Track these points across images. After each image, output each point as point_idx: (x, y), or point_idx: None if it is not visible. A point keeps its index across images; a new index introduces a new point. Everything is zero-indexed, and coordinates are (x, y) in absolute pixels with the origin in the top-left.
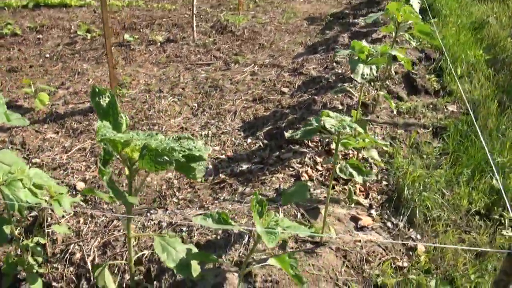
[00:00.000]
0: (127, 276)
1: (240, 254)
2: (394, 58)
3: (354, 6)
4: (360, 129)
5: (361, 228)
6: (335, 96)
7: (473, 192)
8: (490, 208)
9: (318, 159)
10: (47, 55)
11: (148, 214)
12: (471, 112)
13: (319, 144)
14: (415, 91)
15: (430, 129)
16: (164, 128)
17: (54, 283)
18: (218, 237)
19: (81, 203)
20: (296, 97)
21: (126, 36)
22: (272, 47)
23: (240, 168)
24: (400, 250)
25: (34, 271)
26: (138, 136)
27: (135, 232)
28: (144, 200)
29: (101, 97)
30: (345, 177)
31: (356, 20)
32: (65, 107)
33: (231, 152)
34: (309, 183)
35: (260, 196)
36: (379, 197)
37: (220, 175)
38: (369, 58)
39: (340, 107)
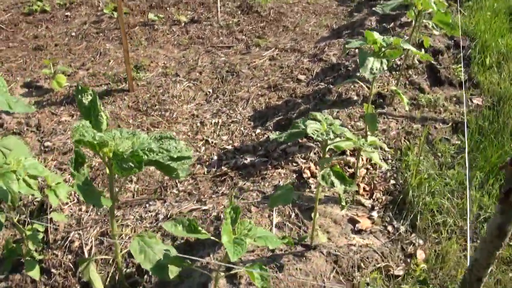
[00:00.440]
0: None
1: None
2: (420, 45)
3: None
4: (349, 135)
5: (359, 231)
6: (352, 86)
7: (485, 197)
8: None
9: None
10: (73, 34)
11: (147, 205)
12: (494, 107)
13: None
14: (438, 82)
15: (450, 124)
16: (175, 114)
17: (53, 270)
18: (212, 233)
19: None
20: (312, 85)
21: (151, 15)
22: (296, 30)
23: (244, 161)
24: (398, 256)
25: (32, 257)
26: (121, 135)
27: (119, 227)
28: (145, 190)
29: (83, 95)
30: (326, 186)
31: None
32: None
33: (238, 142)
34: (310, 180)
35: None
36: (384, 197)
37: (223, 167)
38: (382, 51)
39: (355, 98)
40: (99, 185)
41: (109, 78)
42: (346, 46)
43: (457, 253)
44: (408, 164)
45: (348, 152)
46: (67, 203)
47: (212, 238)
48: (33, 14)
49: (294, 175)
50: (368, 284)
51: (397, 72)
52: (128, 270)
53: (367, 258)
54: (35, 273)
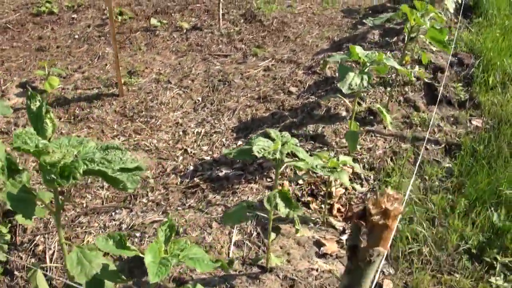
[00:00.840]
0: None
1: (180, 270)
2: (420, 61)
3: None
4: (302, 155)
5: (323, 255)
6: (342, 101)
7: (468, 227)
8: (483, 248)
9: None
10: (76, 36)
11: (113, 213)
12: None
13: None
14: (435, 101)
15: (443, 145)
16: (160, 122)
17: (16, 272)
18: None
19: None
20: (303, 98)
21: (154, 21)
22: (296, 40)
23: (219, 173)
24: None
25: None
26: (69, 143)
27: (65, 236)
28: (116, 197)
29: (32, 101)
30: (269, 208)
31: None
32: (74, 92)
33: (218, 154)
34: None
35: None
36: None
37: (196, 178)
38: (366, 66)
39: (344, 113)
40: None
41: (101, 82)
42: (327, 59)
43: (430, 286)
44: (390, 186)
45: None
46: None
47: (141, 255)
48: (41, 15)
49: (266, 191)
50: None
51: (392, 88)
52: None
53: (328, 285)
54: None
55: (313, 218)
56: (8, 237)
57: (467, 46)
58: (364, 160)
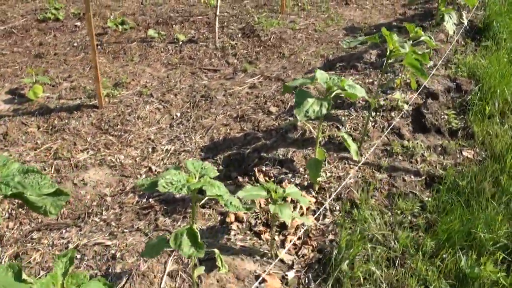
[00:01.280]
0: None
1: None
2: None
3: (406, 18)
4: (216, 190)
5: None
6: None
7: (431, 270)
8: None
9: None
10: (75, 44)
11: (64, 231)
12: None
13: (271, 180)
14: (423, 129)
15: (424, 177)
16: (132, 137)
17: None
18: (103, 273)
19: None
20: (281, 119)
21: (151, 32)
22: (290, 57)
23: (176, 195)
24: None
25: None
26: None
27: (16, 252)
28: (71, 214)
29: None
30: (174, 247)
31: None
32: (57, 102)
33: None
34: (233, 225)
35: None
36: (312, 254)
37: (151, 199)
38: (330, 92)
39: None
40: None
41: (86, 93)
42: (286, 84)
43: None
44: (354, 219)
45: (288, 198)
46: None
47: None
48: (47, 21)
49: (219, 217)
50: None
51: (377, 113)
52: None
53: None
54: None
55: (261, 250)
56: None
57: (469, 70)
58: (332, 190)
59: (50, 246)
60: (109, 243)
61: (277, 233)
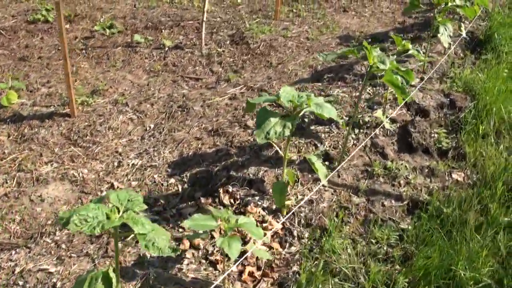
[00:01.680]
0: None
1: None
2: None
3: (405, 27)
4: (145, 229)
5: None
6: (296, 142)
7: None
8: None
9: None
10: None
11: (13, 252)
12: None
13: (236, 202)
14: (409, 149)
15: (406, 202)
16: (99, 149)
17: None
18: None
19: None
20: None
21: (137, 37)
22: (278, 67)
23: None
24: None
25: None
26: None
27: None
28: (24, 233)
29: None
30: None
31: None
32: (31, 109)
33: (146, 191)
34: (187, 254)
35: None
36: None
37: None
38: (297, 110)
39: (295, 156)
40: None
41: (61, 100)
42: (249, 101)
43: None
44: (323, 249)
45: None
46: None
47: None
48: (36, 23)
49: (174, 243)
50: None
51: (360, 130)
52: None
53: None
54: None
55: (215, 283)
56: None
57: (466, 85)
58: (302, 215)
59: None
60: (53, 269)
61: (234, 263)
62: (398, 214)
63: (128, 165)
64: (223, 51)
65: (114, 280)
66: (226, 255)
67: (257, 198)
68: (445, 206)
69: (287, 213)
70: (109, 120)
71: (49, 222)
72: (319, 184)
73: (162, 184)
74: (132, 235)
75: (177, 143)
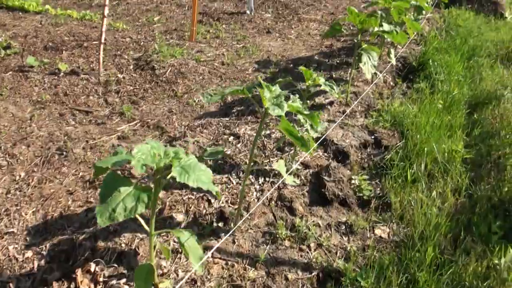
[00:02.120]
0: None
1: None
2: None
3: (332, 51)
4: None
5: None
6: (181, 198)
7: None
8: None
9: None
10: None
11: None
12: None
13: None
14: (323, 201)
15: (315, 273)
16: None
17: None
18: None
19: None
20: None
21: (31, 60)
22: (184, 97)
23: None
24: None
25: None
26: None
27: None
28: None
29: None
30: None
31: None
32: None
33: None
34: None
35: None
36: None
37: None
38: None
39: (180, 218)
40: None
41: None
42: (97, 164)
43: None
44: None
45: None
46: None
47: None
48: None
49: None
50: None
51: (266, 179)
52: None
53: None
54: None
55: None
56: None
57: (394, 120)
58: None
59: None
60: None
61: None
62: None
63: None
64: (124, 77)
65: None
66: None
67: (125, 279)
68: (362, 278)
69: None
70: None
71: None
72: (206, 254)
73: (17, 260)
74: None
75: (44, 199)
